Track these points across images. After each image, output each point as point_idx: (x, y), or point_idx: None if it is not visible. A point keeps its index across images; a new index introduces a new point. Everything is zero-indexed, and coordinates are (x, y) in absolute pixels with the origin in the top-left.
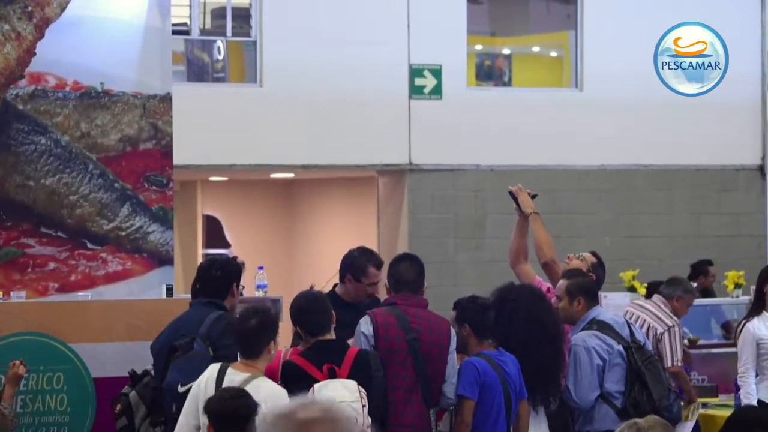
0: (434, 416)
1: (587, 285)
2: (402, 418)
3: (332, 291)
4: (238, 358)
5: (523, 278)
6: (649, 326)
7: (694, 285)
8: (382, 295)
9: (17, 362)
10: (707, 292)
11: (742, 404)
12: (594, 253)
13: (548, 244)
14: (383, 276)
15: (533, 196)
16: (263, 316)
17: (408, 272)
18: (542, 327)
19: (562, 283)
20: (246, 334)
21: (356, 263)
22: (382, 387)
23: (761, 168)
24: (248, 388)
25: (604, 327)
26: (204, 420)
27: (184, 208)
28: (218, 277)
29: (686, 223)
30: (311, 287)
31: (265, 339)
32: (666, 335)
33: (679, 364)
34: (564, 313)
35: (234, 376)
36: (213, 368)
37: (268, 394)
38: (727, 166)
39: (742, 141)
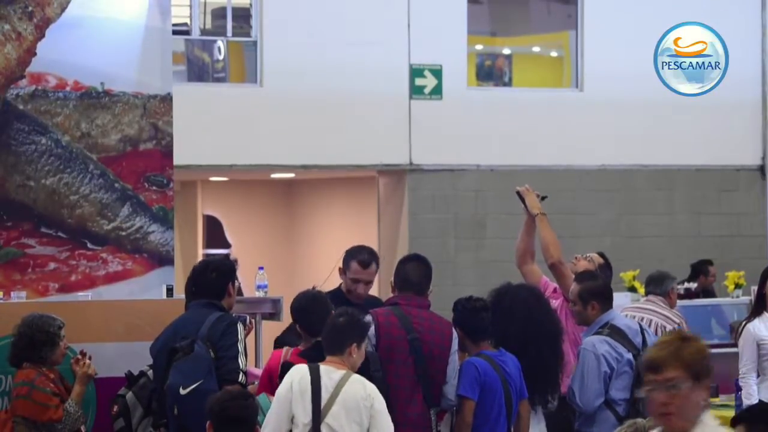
0: (435, 417)
1: (600, 288)
2: (403, 418)
3: (338, 288)
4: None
5: (530, 278)
6: (657, 326)
7: (695, 285)
8: (387, 293)
9: (87, 361)
10: (708, 292)
11: (744, 405)
12: (601, 254)
13: (555, 245)
14: (379, 277)
15: (542, 198)
16: (352, 317)
17: (414, 273)
18: (540, 326)
19: (574, 287)
20: (333, 331)
21: (345, 257)
22: (381, 387)
23: (761, 168)
24: (351, 382)
25: (616, 332)
26: (305, 419)
27: (185, 209)
28: (214, 279)
29: (686, 223)
30: (313, 287)
31: (350, 339)
32: None
33: None
34: (579, 317)
35: (333, 374)
36: (301, 369)
37: (373, 389)
38: (727, 166)
39: (742, 141)
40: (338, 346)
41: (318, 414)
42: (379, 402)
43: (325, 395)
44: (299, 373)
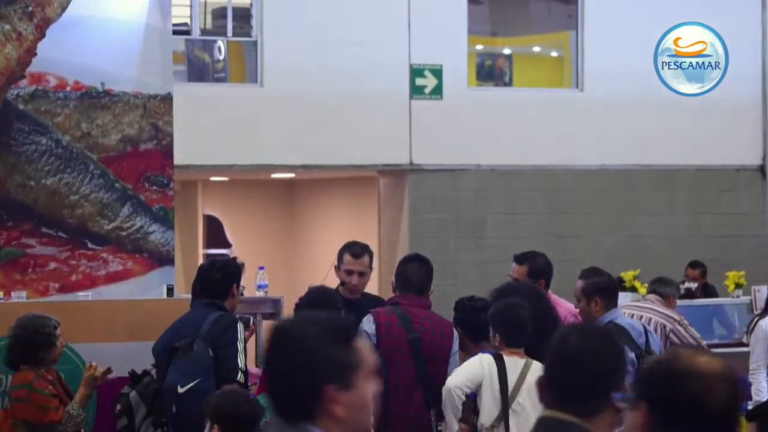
0: (435, 417)
1: (603, 285)
2: (402, 419)
3: (336, 289)
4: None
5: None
6: (657, 324)
7: (695, 285)
8: (388, 293)
9: (94, 364)
10: (709, 292)
11: (754, 401)
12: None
13: None
14: (380, 277)
15: None
16: (527, 308)
17: (415, 274)
18: (543, 326)
19: (579, 283)
20: (518, 322)
21: (339, 253)
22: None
23: (761, 168)
24: (533, 370)
25: (619, 331)
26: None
27: (185, 208)
28: (218, 279)
29: (686, 223)
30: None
31: (528, 328)
32: (679, 327)
33: (704, 344)
34: (583, 314)
35: (517, 364)
36: (485, 359)
37: None
38: (727, 166)
39: (742, 141)
40: (522, 338)
41: (506, 400)
42: None
43: (511, 383)
44: (487, 363)
